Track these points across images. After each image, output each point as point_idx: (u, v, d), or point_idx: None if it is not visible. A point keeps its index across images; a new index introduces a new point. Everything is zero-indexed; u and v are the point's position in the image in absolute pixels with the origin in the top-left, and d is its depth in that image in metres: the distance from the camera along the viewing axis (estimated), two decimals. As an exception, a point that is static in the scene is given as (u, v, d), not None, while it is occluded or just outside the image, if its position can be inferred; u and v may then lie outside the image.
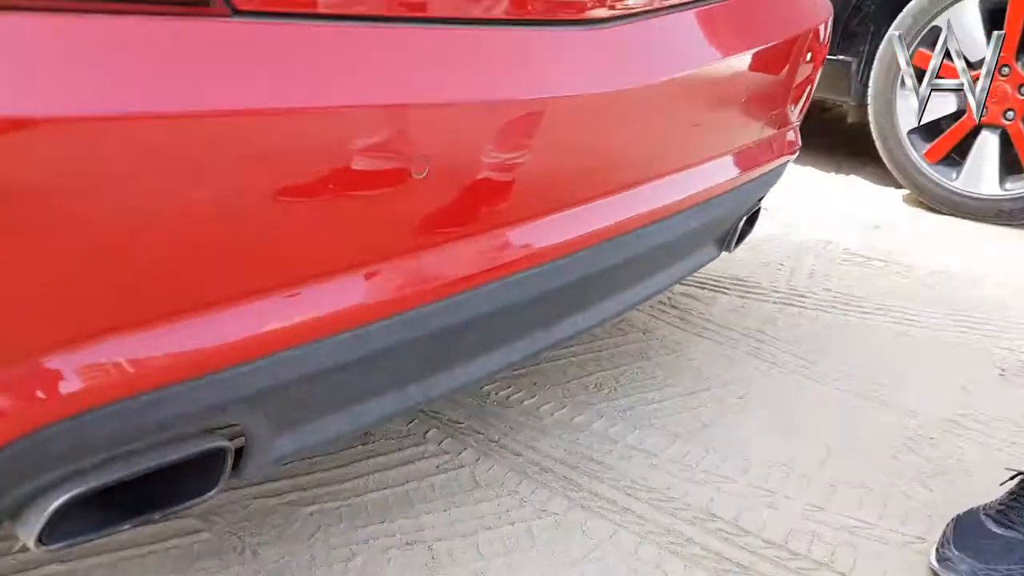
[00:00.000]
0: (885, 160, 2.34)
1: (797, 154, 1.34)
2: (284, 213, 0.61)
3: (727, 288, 1.75)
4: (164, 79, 0.53)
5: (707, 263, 1.30)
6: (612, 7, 0.87)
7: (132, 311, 0.56)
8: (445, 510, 1.05)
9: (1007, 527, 0.97)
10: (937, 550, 0.99)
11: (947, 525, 1.00)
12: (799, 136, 1.34)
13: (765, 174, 1.24)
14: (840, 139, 2.87)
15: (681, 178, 1.02)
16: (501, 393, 1.31)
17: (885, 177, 2.41)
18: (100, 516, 0.63)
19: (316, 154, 0.61)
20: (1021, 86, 2.08)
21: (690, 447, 1.20)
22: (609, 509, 1.07)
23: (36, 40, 0.49)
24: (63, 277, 0.52)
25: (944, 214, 2.25)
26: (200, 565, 0.94)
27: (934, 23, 2.20)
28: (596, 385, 1.35)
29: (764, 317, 1.63)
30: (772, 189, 1.34)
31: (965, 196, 2.20)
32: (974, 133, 2.18)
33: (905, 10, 2.23)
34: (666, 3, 0.95)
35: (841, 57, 2.36)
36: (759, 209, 1.37)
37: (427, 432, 1.20)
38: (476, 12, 0.75)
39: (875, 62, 2.31)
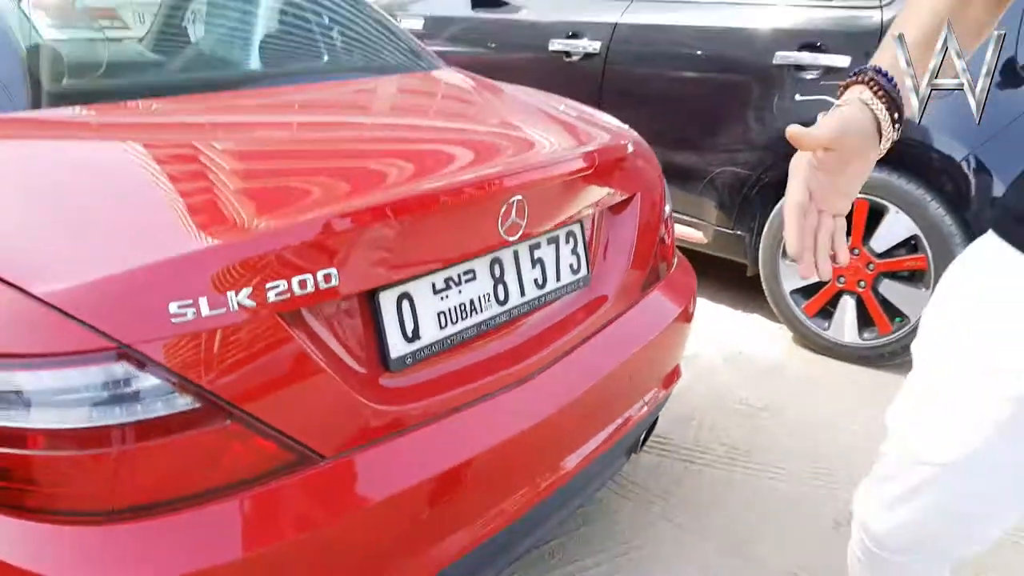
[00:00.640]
0: (775, 311, 2.96)
1: (677, 382, 1.92)
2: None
3: (649, 446, 2.33)
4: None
5: (620, 469, 1.87)
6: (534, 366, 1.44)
7: None
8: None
9: None
10: None
11: None
12: (680, 370, 1.92)
13: (658, 403, 1.82)
14: (745, 279, 3.49)
15: (599, 437, 1.59)
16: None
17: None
18: None
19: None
20: (868, 263, 2.71)
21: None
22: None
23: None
24: None
25: (821, 355, 2.86)
26: None
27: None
28: (551, 552, 1.91)
29: (674, 476, 2.21)
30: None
31: (834, 343, 2.82)
32: (838, 295, 2.80)
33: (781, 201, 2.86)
34: (569, 345, 1.53)
35: (737, 232, 2.99)
36: (657, 417, 1.94)
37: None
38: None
39: (763, 234, 2.92)
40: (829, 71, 2.67)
